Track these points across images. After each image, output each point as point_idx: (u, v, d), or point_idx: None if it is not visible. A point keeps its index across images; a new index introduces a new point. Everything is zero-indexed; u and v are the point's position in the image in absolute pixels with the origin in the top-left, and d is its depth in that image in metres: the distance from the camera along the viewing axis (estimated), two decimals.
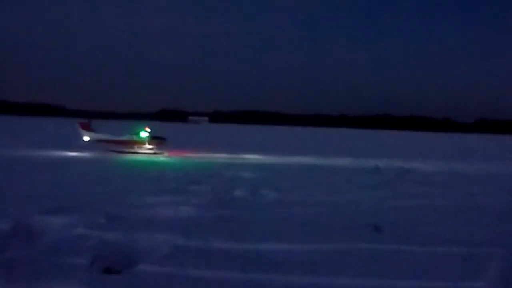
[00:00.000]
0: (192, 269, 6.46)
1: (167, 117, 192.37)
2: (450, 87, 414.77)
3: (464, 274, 6.52)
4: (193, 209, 10.36)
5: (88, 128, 25.56)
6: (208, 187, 13.92)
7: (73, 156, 22.97)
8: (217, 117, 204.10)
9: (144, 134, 25.17)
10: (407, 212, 11.15)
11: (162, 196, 11.89)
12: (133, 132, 25.65)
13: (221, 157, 26.22)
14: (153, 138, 25.35)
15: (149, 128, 26.01)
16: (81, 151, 24.63)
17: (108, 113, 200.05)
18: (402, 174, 20.25)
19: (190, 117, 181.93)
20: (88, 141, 25.15)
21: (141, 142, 24.96)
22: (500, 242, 8.37)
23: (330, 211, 10.85)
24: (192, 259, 6.87)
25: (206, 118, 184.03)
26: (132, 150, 24.75)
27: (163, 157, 24.27)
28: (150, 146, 25.15)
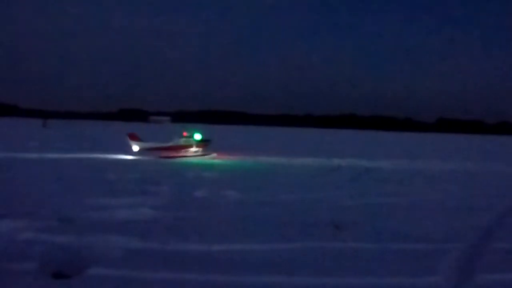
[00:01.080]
0: (147, 272, 6.24)
1: (128, 116, 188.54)
2: (411, 88, 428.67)
3: (420, 270, 6.62)
4: (151, 211, 10.07)
5: (135, 138, 26.21)
6: (167, 187, 13.62)
7: (32, 158, 22.05)
8: (180, 116, 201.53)
9: (197, 137, 26.22)
10: (367, 210, 11.29)
11: (120, 197, 11.51)
12: (180, 137, 26.36)
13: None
14: (199, 141, 26.16)
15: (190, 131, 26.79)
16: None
17: (65, 113, 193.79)
18: (363, 173, 20.57)
19: (152, 117, 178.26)
20: (138, 150, 25.58)
21: (188, 145, 25.78)
22: (455, 237, 8.59)
23: (291, 211, 10.83)
24: (147, 261, 6.65)
25: (168, 118, 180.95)
26: (181, 155, 25.52)
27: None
28: (197, 149, 25.93)
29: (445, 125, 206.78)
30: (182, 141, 25.91)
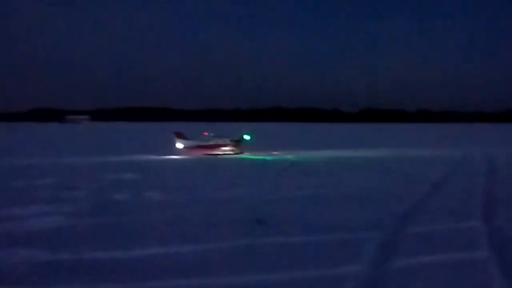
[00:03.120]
0: (59, 287, 5.71)
1: (41, 116, 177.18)
2: (337, 80, 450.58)
3: (341, 260, 6.73)
4: (64, 219, 9.34)
5: (182, 137, 28.04)
6: (84, 192, 12.75)
7: None
8: (100, 115, 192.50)
9: (246, 137, 28.70)
10: (290, 203, 11.37)
11: (28, 206, 10.54)
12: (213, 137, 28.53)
13: (102, 158, 24.53)
14: (233, 141, 28.05)
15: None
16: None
17: None
18: (289, 166, 20.78)
19: (68, 116, 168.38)
20: (181, 148, 27.43)
21: (225, 144, 27.73)
22: (375, 225, 8.89)
23: (215, 209, 10.60)
24: (58, 275, 6.11)
25: (87, 117, 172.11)
26: (219, 152, 27.39)
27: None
28: (232, 148, 27.74)
29: (369, 115, 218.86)
30: (220, 141, 28.02)
